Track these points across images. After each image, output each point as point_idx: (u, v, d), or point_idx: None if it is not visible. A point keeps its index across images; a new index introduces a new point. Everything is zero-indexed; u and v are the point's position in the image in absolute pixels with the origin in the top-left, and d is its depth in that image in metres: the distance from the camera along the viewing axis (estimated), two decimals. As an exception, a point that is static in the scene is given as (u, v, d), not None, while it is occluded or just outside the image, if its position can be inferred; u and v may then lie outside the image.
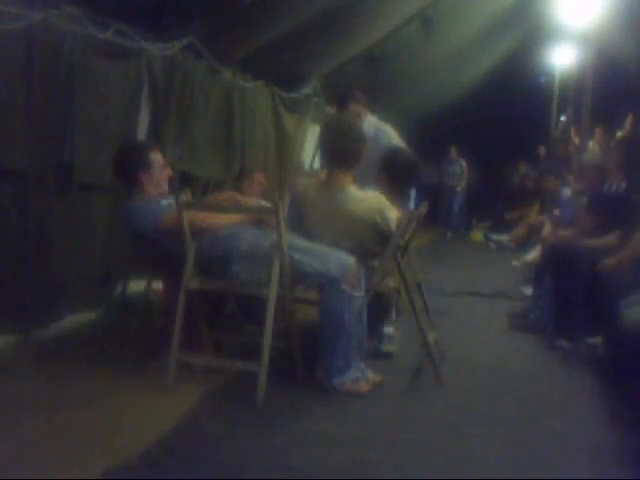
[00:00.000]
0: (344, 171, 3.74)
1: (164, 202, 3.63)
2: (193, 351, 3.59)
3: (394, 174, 4.12)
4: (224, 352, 3.83)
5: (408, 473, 2.66)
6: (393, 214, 3.69)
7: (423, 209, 3.96)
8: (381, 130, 5.05)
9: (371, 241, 3.73)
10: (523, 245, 9.94)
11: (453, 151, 13.45)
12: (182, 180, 5.05)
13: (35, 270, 3.97)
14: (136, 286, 4.78)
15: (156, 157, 3.77)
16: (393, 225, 3.63)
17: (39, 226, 3.98)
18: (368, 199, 3.73)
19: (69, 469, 2.49)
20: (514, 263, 8.70)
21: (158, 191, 3.73)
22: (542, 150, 13.71)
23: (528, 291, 6.11)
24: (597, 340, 4.53)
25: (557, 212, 7.16)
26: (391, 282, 3.84)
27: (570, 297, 4.75)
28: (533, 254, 8.01)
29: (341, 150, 3.69)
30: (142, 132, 4.85)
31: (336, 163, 3.74)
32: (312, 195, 3.81)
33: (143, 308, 4.30)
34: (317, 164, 8.70)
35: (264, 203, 3.86)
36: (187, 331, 3.49)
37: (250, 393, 3.23)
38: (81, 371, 3.57)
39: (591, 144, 8.25)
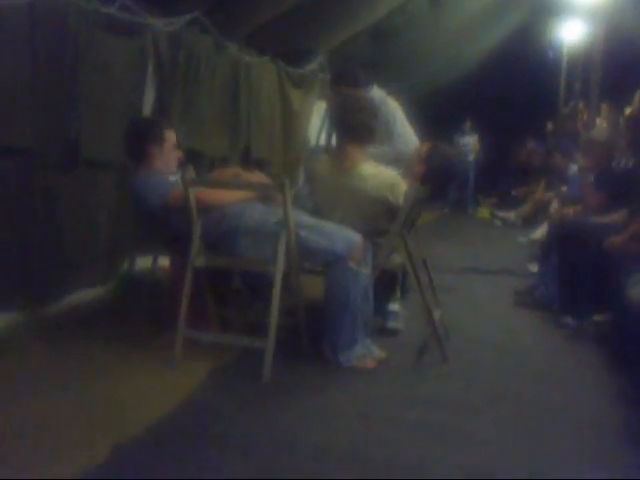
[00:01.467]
0: (357, 147, 3.73)
1: (172, 178, 3.62)
2: (200, 327, 3.60)
3: (432, 170, 4.05)
4: (230, 328, 3.85)
5: (413, 450, 2.67)
6: (404, 189, 3.68)
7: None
8: (383, 109, 5.01)
9: (381, 218, 3.72)
10: (529, 222, 9.91)
11: (468, 124, 13.46)
12: (187, 157, 5.04)
13: (42, 247, 3.99)
14: (142, 262, 4.81)
15: (170, 135, 3.79)
16: (402, 200, 3.63)
17: (46, 203, 3.98)
18: (380, 175, 3.72)
19: (78, 445, 2.51)
20: (520, 240, 8.68)
21: (166, 169, 3.72)
22: (550, 126, 13.61)
23: (534, 268, 6.10)
24: (603, 317, 4.53)
25: (564, 189, 7.13)
26: (397, 259, 3.84)
27: (576, 274, 4.75)
28: (540, 231, 7.98)
29: (355, 125, 3.68)
30: (147, 108, 4.83)
31: (349, 138, 3.73)
32: (323, 171, 3.81)
33: (150, 284, 4.31)
34: (323, 140, 8.68)
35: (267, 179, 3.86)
36: (194, 307, 3.50)
37: (256, 369, 3.25)
38: (88, 347, 3.58)
39: (599, 121, 8.18)
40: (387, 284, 4.08)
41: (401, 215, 3.55)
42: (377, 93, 4.87)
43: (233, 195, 3.57)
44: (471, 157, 13.48)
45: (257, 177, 4.06)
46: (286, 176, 5.82)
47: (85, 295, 4.42)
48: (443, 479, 2.47)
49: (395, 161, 4.26)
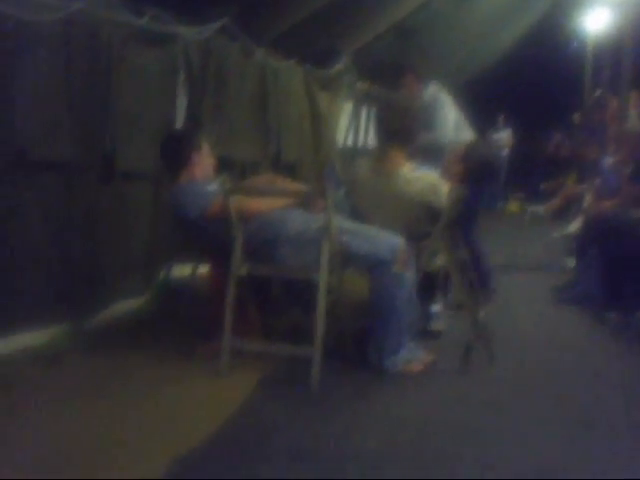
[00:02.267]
0: (398, 150, 3.70)
1: (210, 188, 3.62)
2: (242, 336, 3.59)
3: (471, 169, 4.00)
4: (271, 336, 3.84)
5: (469, 453, 2.64)
6: (446, 190, 3.64)
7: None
8: (438, 103, 5.08)
9: (423, 220, 3.69)
10: (560, 216, 9.78)
11: (501, 119, 13.35)
12: (219, 164, 5.04)
13: (82, 259, 4.01)
14: (180, 272, 4.82)
15: (205, 144, 3.81)
16: (445, 201, 3.60)
17: (85, 216, 4.00)
18: (422, 179, 3.69)
19: (136, 459, 2.52)
20: (553, 235, 8.57)
21: (204, 177, 3.72)
22: (577, 118, 13.43)
23: (572, 263, 6.01)
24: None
25: (597, 182, 7.01)
26: (439, 260, 3.81)
27: (618, 269, 4.68)
28: (574, 225, 7.87)
29: (398, 128, 3.66)
30: (179, 117, 4.84)
31: (390, 141, 3.71)
32: (363, 174, 3.79)
33: (189, 294, 4.32)
34: (350, 142, 8.66)
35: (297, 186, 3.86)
36: (236, 315, 3.49)
37: (304, 377, 3.24)
38: (133, 359, 3.60)
39: (632, 111, 8.05)
40: (428, 286, 4.04)
41: (444, 217, 3.52)
42: (432, 89, 4.92)
43: (273, 203, 3.56)
44: (504, 152, 13.35)
45: (290, 184, 4.05)
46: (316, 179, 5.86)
47: (124, 306, 4.45)
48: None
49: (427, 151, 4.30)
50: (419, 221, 3.70)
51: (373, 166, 3.81)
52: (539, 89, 13.75)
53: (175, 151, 3.77)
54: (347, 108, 7.91)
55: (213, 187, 3.65)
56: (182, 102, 4.83)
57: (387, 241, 3.42)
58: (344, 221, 3.51)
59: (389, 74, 5.41)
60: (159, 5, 4.31)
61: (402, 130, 3.69)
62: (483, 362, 3.63)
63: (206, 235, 3.66)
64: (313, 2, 5.71)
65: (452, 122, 5.06)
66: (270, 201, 3.59)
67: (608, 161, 6.38)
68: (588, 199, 7.08)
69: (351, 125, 8.57)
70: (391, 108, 3.79)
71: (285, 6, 5.62)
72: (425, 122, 4.62)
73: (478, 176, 4.04)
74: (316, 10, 5.78)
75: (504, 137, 13.34)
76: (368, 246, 3.40)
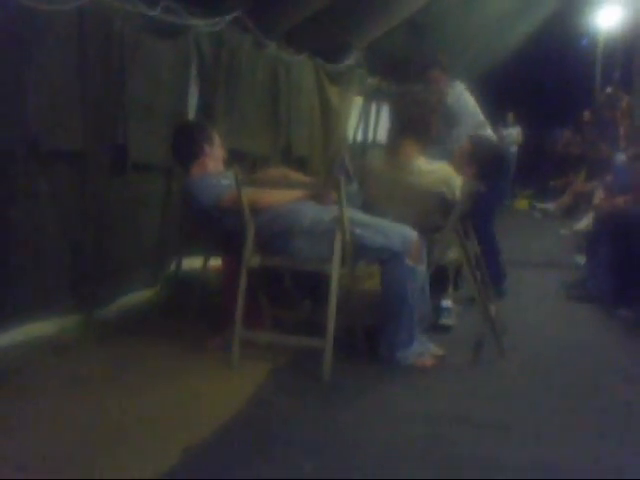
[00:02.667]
0: (413, 142, 3.69)
1: (224, 181, 3.61)
2: (253, 327, 3.59)
3: (480, 166, 3.99)
4: (282, 327, 3.83)
5: (479, 448, 2.63)
6: (459, 183, 3.63)
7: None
8: (461, 104, 5.07)
9: (435, 213, 3.68)
10: (569, 213, 9.76)
11: (510, 116, 13.30)
12: (229, 156, 5.04)
13: (92, 250, 4.01)
14: (191, 264, 4.82)
15: (215, 135, 3.81)
16: (459, 194, 3.58)
17: (96, 206, 3.99)
18: (436, 171, 3.68)
19: (148, 449, 2.51)
20: (563, 232, 8.56)
21: (217, 168, 3.73)
22: (587, 115, 13.39)
23: (582, 260, 6.00)
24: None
25: (609, 178, 6.99)
26: (451, 254, 3.80)
27: (629, 265, 4.67)
28: (584, 222, 7.85)
29: (411, 120, 3.65)
30: (191, 109, 4.83)
31: (405, 133, 3.70)
32: (376, 167, 3.78)
33: (199, 285, 4.32)
34: (360, 137, 8.65)
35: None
36: (247, 307, 3.49)
37: (315, 369, 3.24)
38: (145, 350, 3.60)
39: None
40: (439, 280, 4.03)
41: (457, 210, 3.51)
42: (458, 87, 4.90)
43: (286, 195, 3.55)
44: (513, 149, 13.30)
45: (302, 177, 4.05)
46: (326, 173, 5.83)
47: (134, 297, 4.45)
48: (512, 479, 2.42)
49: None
50: (431, 214, 3.69)
51: (386, 158, 3.80)
52: (549, 86, 13.70)
53: (187, 143, 3.77)
54: (357, 103, 7.88)
55: (226, 179, 3.65)
56: (194, 94, 4.83)
57: (400, 233, 3.40)
58: (356, 213, 3.50)
59: (414, 68, 5.37)
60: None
61: (417, 122, 3.67)
62: (494, 356, 3.62)
63: (219, 227, 3.66)
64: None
65: (474, 123, 5.05)
66: (282, 193, 3.58)
67: (620, 158, 6.36)
68: (598, 196, 7.07)
69: (361, 121, 8.55)
70: (406, 100, 3.77)
71: (296, 1, 5.61)
72: (447, 121, 4.63)
73: (488, 171, 4.03)
74: (327, 5, 5.77)
75: (513, 134, 13.29)
76: (381, 238, 3.39)
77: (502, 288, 4.88)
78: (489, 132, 5.21)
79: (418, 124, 3.67)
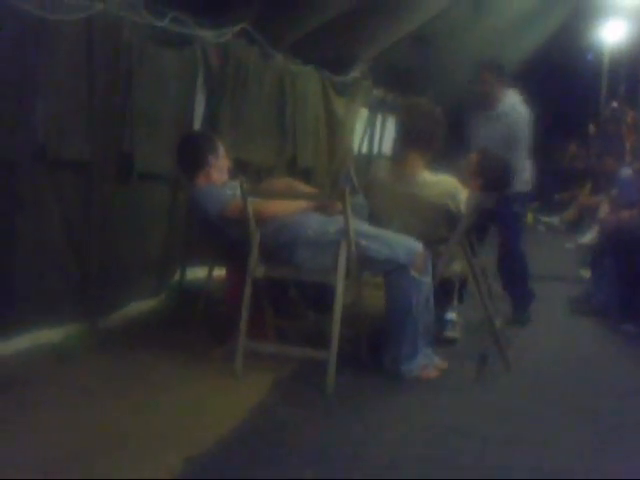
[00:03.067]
0: (419, 154, 3.69)
1: (229, 191, 3.62)
2: (257, 338, 3.59)
3: (488, 177, 3.97)
4: (286, 338, 3.82)
5: (483, 461, 2.62)
6: (464, 196, 3.63)
7: None
8: (513, 116, 4.70)
9: (441, 226, 3.68)
10: (574, 227, 9.74)
11: None
12: (234, 167, 5.05)
13: (98, 259, 4.01)
14: (193, 273, 4.83)
15: (220, 145, 3.82)
16: (464, 207, 3.58)
17: (102, 215, 4.01)
18: (441, 183, 3.68)
19: (150, 458, 2.50)
20: (568, 245, 8.54)
21: (221, 179, 3.73)
22: (592, 129, 13.39)
23: (587, 274, 5.99)
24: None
25: (614, 192, 6.98)
26: (455, 267, 3.79)
27: (634, 279, 4.66)
28: (589, 236, 7.85)
29: (417, 132, 3.65)
30: (197, 120, 4.85)
31: (410, 145, 3.70)
32: (382, 178, 3.78)
33: (203, 295, 4.32)
34: (365, 148, 8.66)
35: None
36: (251, 317, 3.49)
37: (318, 380, 3.23)
38: (149, 359, 3.59)
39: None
40: (444, 292, 4.03)
41: (462, 223, 3.51)
42: (512, 97, 4.74)
43: (291, 205, 3.56)
44: None
45: (307, 188, 4.05)
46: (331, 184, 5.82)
47: (139, 306, 4.45)
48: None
49: None
50: (437, 226, 3.69)
51: (392, 170, 3.80)
52: (555, 99, 13.69)
53: (192, 153, 3.78)
54: (363, 115, 7.89)
55: (231, 189, 3.65)
56: (200, 104, 4.85)
57: (405, 245, 3.40)
58: (362, 225, 3.50)
59: (470, 68, 5.12)
60: (179, 8, 4.33)
61: (423, 135, 3.67)
62: (498, 370, 3.61)
63: (223, 237, 3.67)
64: (330, 9, 5.71)
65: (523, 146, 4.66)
66: (287, 204, 3.59)
67: (626, 172, 6.36)
68: (603, 210, 7.07)
69: (366, 132, 8.56)
70: (412, 112, 3.76)
71: (303, 12, 5.63)
72: (501, 136, 4.46)
73: (495, 184, 4.03)
74: (333, 17, 5.79)
75: None
76: (386, 250, 3.38)
77: (526, 314, 4.75)
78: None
79: (423, 137, 3.67)
